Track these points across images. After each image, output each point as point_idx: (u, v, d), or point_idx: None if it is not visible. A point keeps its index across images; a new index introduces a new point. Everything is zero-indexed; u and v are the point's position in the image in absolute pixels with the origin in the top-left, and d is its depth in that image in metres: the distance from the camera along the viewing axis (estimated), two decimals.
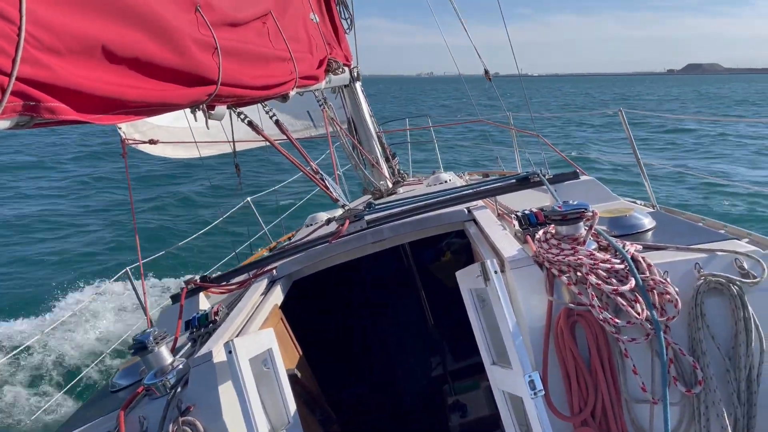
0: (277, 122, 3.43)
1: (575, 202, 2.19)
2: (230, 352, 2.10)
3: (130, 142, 5.66)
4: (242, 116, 3.14)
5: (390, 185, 5.81)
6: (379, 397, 4.83)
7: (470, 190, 3.49)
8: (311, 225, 4.84)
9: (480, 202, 3.41)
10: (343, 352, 4.73)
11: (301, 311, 3.77)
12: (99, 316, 7.29)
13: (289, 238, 5.56)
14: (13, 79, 1.41)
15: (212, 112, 2.60)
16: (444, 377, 4.89)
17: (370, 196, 5.62)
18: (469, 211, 3.32)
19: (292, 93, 3.61)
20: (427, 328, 5.00)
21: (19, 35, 1.43)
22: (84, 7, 1.66)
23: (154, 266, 5.70)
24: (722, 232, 2.50)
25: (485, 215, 3.14)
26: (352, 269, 4.05)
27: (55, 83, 1.53)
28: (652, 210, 2.88)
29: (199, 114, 2.64)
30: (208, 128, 2.62)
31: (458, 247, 5.07)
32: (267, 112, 3.46)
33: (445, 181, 4.84)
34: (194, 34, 2.30)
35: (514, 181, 3.37)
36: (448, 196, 3.41)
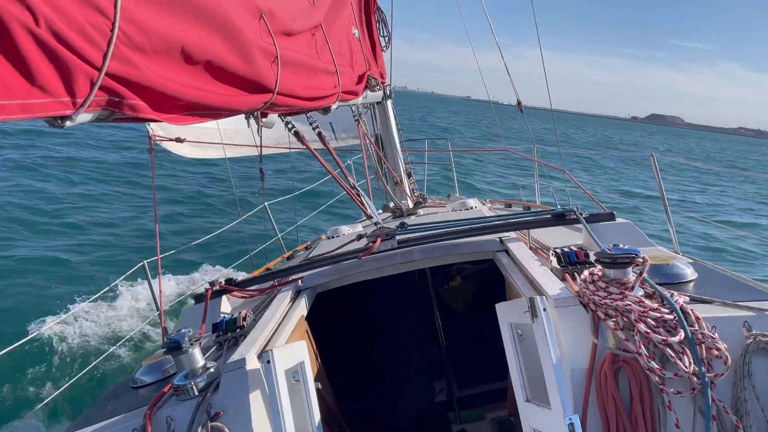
0: (319, 134, 3.44)
1: (626, 246, 2.18)
2: (268, 362, 2.08)
3: (158, 138, 5.65)
4: (290, 126, 3.14)
5: (411, 205, 5.80)
6: (384, 418, 4.79)
7: (502, 221, 3.48)
8: (333, 237, 4.82)
9: (512, 234, 3.40)
10: (354, 368, 4.69)
11: (319, 323, 3.75)
12: (111, 308, 7.26)
13: (307, 248, 5.54)
14: (103, 73, 1.41)
15: (264, 119, 2.60)
16: (450, 404, 4.85)
17: (389, 214, 5.61)
18: (501, 241, 3.31)
19: (334, 106, 3.62)
20: (438, 352, 4.97)
21: (112, 31, 1.43)
22: (170, 7, 1.67)
23: (166, 262, 5.69)
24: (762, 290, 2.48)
25: (519, 247, 3.13)
26: (369, 285, 4.03)
27: (138, 81, 1.54)
28: (691, 260, 2.86)
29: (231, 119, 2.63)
30: (259, 135, 2.62)
31: (469, 273, 5.05)
32: (310, 124, 3.46)
33: (471, 208, 4.83)
34: (258, 42, 2.32)
35: (549, 216, 3.35)
36: (481, 225, 3.39)
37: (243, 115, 2.56)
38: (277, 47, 2.47)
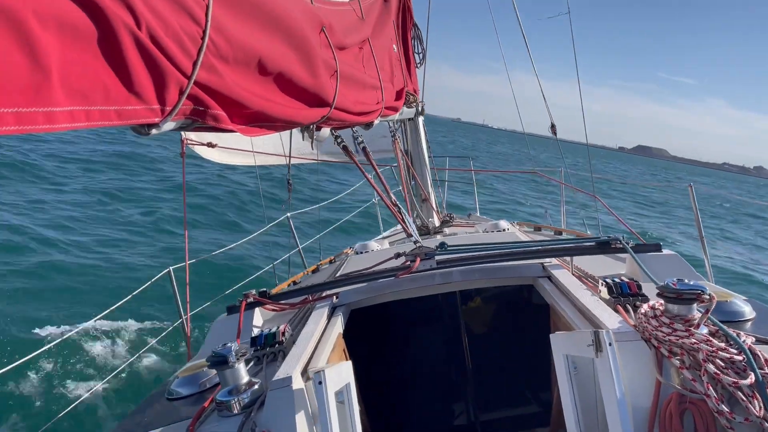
0: (364, 149, 3.41)
1: (691, 282, 2.11)
2: (320, 382, 2.02)
3: (190, 142, 5.66)
4: (339, 140, 3.11)
5: (437, 223, 5.75)
6: None
7: (544, 246, 3.42)
8: (362, 252, 4.77)
9: (554, 260, 3.33)
10: (377, 385, 4.62)
11: (349, 341, 3.70)
12: (134, 316, 7.23)
13: (331, 261, 5.49)
14: (192, 82, 1.38)
15: (317, 133, 2.57)
16: (473, 427, 4.76)
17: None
18: (544, 267, 3.24)
19: (376, 121, 3.59)
20: (463, 374, 4.89)
21: (203, 39, 1.40)
22: (254, 18, 1.64)
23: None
24: None
25: (563, 275, 3.06)
26: (394, 303, 3.98)
27: (222, 91, 1.50)
28: (745, 298, 2.79)
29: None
30: (312, 148, 2.59)
31: (490, 294, 4.98)
32: (355, 139, 3.43)
33: (504, 230, 4.77)
34: (322, 56, 2.29)
35: (593, 243, 3.29)
36: (523, 249, 3.34)
37: (292, 129, 2.54)
38: (337, 61, 2.45)
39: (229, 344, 2.25)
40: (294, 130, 2.53)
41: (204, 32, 1.40)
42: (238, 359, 2.21)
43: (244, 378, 2.23)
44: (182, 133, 5.51)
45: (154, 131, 1.36)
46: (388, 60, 4.38)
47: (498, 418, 4.75)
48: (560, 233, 5.06)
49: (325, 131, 2.67)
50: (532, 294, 3.81)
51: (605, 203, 5.32)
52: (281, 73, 1.89)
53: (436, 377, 4.83)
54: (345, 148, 3.17)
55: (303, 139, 2.49)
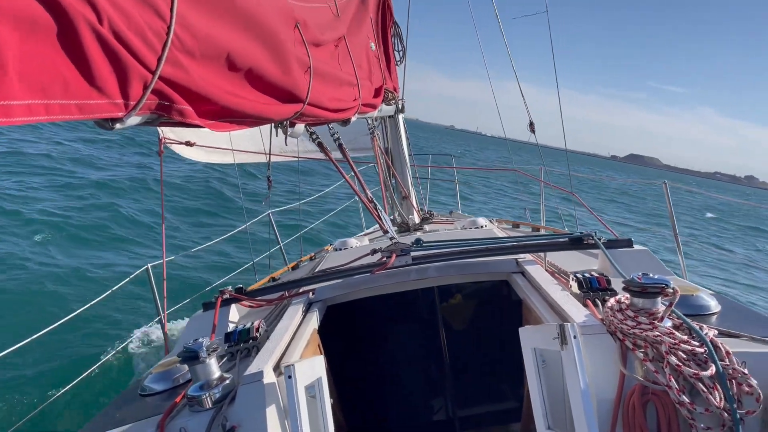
0: (340, 146, 3.42)
1: (656, 276, 2.16)
2: (290, 376, 2.04)
3: (168, 141, 5.62)
4: (314, 136, 3.12)
5: (417, 220, 5.78)
6: None
7: (518, 242, 3.46)
8: (341, 249, 4.78)
9: (528, 256, 3.38)
10: (353, 382, 4.64)
11: (324, 336, 3.71)
12: (112, 312, 7.16)
13: (311, 258, 5.50)
14: (156, 76, 1.38)
15: (291, 129, 2.58)
16: (451, 423, 4.79)
17: (395, 228, 5.58)
18: (518, 263, 3.28)
19: (353, 118, 3.61)
20: (441, 369, 4.92)
21: (167, 34, 1.41)
22: (221, 14, 1.65)
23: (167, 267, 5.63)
24: None
25: (536, 270, 3.10)
26: (372, 299, 4.01)
27: (187, 86, 1.51)
28: (712, 293, 2.84)
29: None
30: (286, 144, 2.59)
31: (469, 291, 5.02)
32: (332, 135, 3.44)
33: (481, 226, 4.81)
34: (295, 52, 2.30)
35: (567, 239, 3.34)
36: (497, 245, 3.37)
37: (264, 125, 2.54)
38: (310, 57, 2.46)
39: (200, 340, 2.25)
40: (270, 127, 2.53)
41: (169, 27, 1.41)
42: (209, 354, 2.22)
43: (216, 373, 2.24)
44: (160, 131, 5.48)
45: (118, 126, 1.36)
46: (366, 57, 4.39)
47: (476, 413, 4.79)
48: (538, 230, 5.11)
49: (300, 127, 2.67)
50: (510, 291, 3.85)
51: (582, 201, 5.39)
52: (251, 69, 1.89)
53: (414, 373, 4.85)
54: (320, 145, 3.18)
55: (276, 135, 2.50)
